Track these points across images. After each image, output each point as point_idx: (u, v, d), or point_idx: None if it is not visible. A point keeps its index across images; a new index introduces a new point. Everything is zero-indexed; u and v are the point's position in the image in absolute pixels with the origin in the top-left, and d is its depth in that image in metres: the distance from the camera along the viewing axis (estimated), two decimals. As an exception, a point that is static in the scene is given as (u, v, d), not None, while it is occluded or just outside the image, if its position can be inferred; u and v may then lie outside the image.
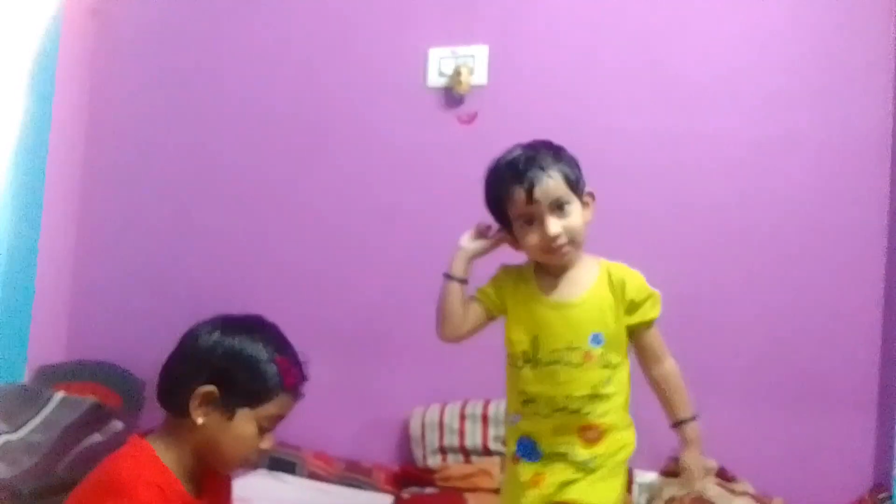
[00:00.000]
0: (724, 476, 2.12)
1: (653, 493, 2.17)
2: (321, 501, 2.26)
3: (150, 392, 2.74)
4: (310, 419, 2.46)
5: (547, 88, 2.46)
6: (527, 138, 2.41)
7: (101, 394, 2.60)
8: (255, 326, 1.26)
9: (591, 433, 1.35)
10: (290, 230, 2.72)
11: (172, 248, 2.89)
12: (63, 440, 2.29)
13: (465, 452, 2.37)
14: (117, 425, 2.45)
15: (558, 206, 1.37)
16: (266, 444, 1.26)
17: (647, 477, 2.20)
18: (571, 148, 2.38)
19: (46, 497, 2.10)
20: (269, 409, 1.22)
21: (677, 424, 1.42)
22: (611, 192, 2.36)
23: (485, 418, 2.36)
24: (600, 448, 1.37)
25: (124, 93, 3.00)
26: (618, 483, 1.40)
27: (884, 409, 2.10)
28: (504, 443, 2.29)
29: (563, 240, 1.37)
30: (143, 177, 2.95)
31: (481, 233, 1.49)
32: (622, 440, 1.41)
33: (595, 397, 1.35)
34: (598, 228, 2.34)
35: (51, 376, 2.71)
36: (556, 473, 1.37)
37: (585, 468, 1.36)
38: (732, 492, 2.04)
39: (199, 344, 1.21)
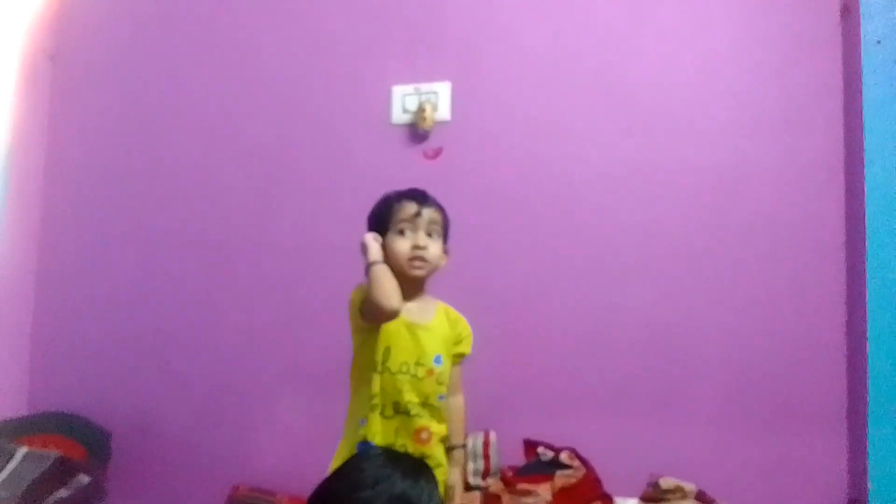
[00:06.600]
0: (703, 499, 2.12)
1: (632, 520, 2.16)
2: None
3: (117, 443, 2.70)
4: (283, 461, 2.44)
5: (509, 122, 2.49)
6: (491, 171, 2.48)
7: (65, 446, 2.51)
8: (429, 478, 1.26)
9: (423, 434, 1.62)
10: (255, 268, 2.69)
11: (134, 295, 2.83)
12: (29, 496, 2.21)
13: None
14: (83, 479, 2.38)
15: (430, 232, 1.67)
16: None
17: (626, 503, 2.19)
18: (535, 179, 2.45)
19: (11, 556, 2.03)
20: None
21: (450, 448, 1.70)
22: (575, 221, 2.42)
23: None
24: (430, 450, 1.63)
25: (83, 133, 2.96)
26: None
27: (853, 425, 2.12)
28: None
29: (424, 254, 1.65)
30: (104, 221, 2.91)
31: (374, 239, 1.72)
32: (441, 454, 1.68)
33: (428, 406, 1.62)
34: (568, 255, 2.38)
35: (13, 430, 2.61)
36: None
37: None
38: (711, 515, 2.04)
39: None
